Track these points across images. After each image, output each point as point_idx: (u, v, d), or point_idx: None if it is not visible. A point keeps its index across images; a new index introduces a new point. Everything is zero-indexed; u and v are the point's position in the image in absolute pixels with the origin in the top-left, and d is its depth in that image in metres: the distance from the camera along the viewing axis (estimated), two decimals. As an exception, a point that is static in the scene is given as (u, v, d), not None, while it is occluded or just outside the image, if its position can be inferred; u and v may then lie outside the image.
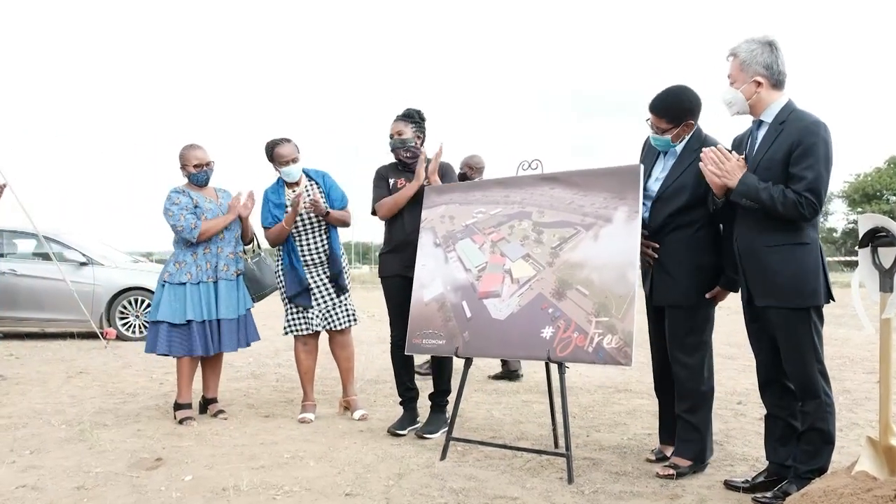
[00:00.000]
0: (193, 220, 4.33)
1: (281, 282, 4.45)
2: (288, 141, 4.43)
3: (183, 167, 4.47)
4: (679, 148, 3.29)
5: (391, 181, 4.20)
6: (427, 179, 4.06)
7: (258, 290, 4.58)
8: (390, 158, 4.27)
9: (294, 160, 4.40)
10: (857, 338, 8.65)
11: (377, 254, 5.20)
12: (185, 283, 4.33)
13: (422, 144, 4.22)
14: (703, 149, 2.99)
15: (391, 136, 4.17)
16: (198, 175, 4.45)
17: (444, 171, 4.21)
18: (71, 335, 8.89)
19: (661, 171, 3.36)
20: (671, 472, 3.22)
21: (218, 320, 4.39)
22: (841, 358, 7.01)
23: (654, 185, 3.34)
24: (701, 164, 2.98)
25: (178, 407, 4.43)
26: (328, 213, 4.37)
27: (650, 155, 3.44)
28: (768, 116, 2.90)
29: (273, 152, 4.41)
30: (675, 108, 3.22)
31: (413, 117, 4.20)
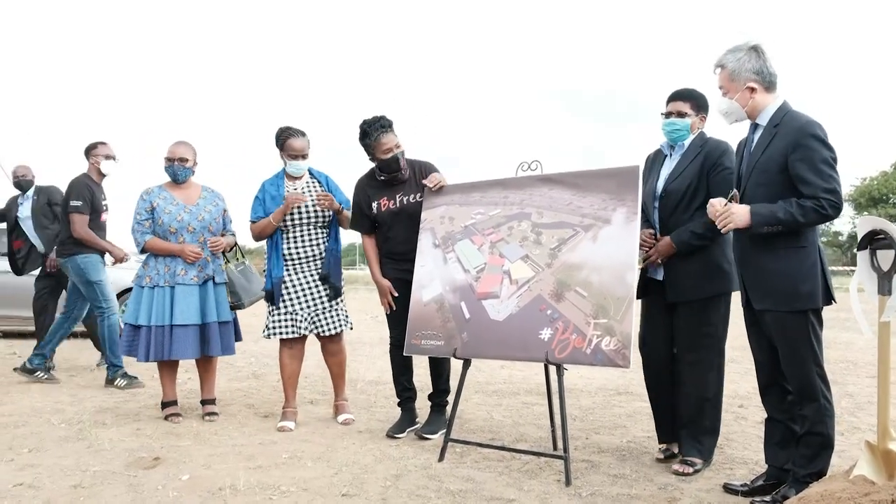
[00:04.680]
0: (140, 236, 4.34)
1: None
2: (303, 134, 4.23)
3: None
4: (687, 142, 3.42)
5: (374, 204, 4.03)
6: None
7: (245, 298, 4.46)
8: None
9: (304, 156, 4.24)
10: (861, 341, 8.61)
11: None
12: (143, 287, 4.33)
13: None
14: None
15: (388, 151, 3.93)
16: (167, 168, 4.43)
17: (429, 172, 4.08)
18: (73, 334, 8.89)
19: (667, 171, 3.45)
20: (689, 469, 3.28)
21: (171, 326, 4.27)
22: (844, 362, 6.98)
23: (660, 185, 3.44)
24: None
25: (163, 405, 4.49)
26: (342, 209, 4.21)
27: (656, 164, 3.54)
28: (763, 119, 2.90)
29: (285, 143, 4.20)
30: (699, 97, 3.44)
31: (392, 125, 3.99)
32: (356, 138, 4.06)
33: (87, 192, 5.47)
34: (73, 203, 5.41)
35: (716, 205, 2.90)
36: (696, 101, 3.42)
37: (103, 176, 5.68)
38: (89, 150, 5.67)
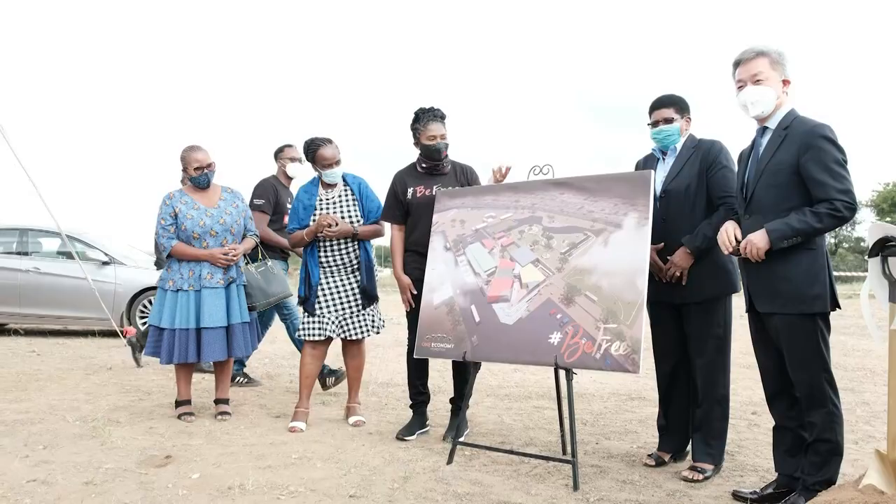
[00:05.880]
0: (166, 241, 4.35)
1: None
2: (330, 142, 4.28)
3: (184, 170, 4.49)
4: (679, 145, 3.46)
5: (409, 190, 4.11)
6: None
7: (260, 300, 4.53)
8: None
9: (337, 162, 4.28)
10: (880, 349, 8.50)
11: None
12: (167, 291, 4.37)
13: None
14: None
15: (433, 139, 4.02)
16: (199, 178, 4.44)
17: (471, 175, 4.18)
18: (92, 333, 9.02)
19: (663, 172, 3.48)
20: (699, 475, 3.27)
21: (199, 329, 4.31)
22: (862, 369, 6.89)
23: (658, 186, 3.45)
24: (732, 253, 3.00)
25: (177, 404, 4.53)
26: (356, 233, 4.25)
27: (648, 167, 3.54)
28: (772, 123, 2.90)
29: (316, 154, 4.26)
30: (680, 101, 3.49)
31: (444, 117, 4.11)
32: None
33: (272, 193, 5.52)
34: (256, 201, 5.46)
35: (727, 242, 2.92)
36: (679, 105, 3.47)
37: (290, 179, 5.70)
38: (277, 154, 5.72)
